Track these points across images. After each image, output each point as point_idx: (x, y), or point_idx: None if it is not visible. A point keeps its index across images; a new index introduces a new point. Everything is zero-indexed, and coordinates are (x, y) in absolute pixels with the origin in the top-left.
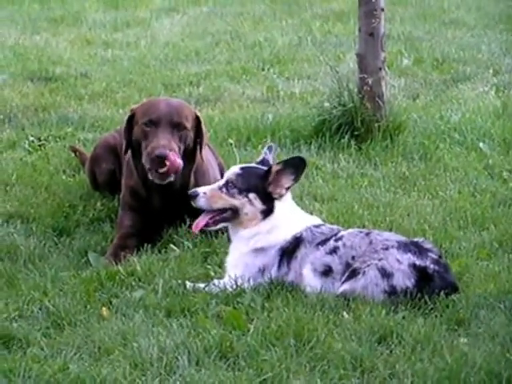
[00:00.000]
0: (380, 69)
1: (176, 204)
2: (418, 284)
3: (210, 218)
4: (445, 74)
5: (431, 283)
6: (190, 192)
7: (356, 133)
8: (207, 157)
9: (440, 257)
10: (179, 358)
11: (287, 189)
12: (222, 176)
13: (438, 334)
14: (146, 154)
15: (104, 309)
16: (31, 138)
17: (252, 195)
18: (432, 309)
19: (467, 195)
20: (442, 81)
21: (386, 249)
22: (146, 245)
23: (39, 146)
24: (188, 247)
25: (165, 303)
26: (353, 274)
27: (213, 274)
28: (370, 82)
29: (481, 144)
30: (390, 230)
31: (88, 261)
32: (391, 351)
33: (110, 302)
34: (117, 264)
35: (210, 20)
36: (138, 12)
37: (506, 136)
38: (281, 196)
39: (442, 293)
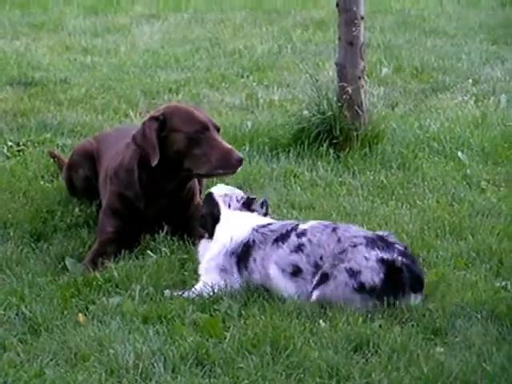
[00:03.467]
0: (359, 77)
1: (168, 212)
2: (387, 278)
3: None
4: (424, 83)
5: (400, 276)
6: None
7: (335, 141)
8: None
9: (406, 248)
10: (155, 364)
11: None
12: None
13: (414, 343)
14: (219, 159)
15: (80, 315)
16: (10, 143)
17: None
18: (408, 318)
19: (445, 204)
20: (421, 90)
21: (355, 246)
22: (123, 251)
23: (18, 151)
24: (166, 253)
25: (141, 310)
26: (323, 278)
27: (190, 280)
28: (349, 90)
29: (459, 153)
30: None
31: (65, 266)
32: (367, 360)
33: (87, 309)
34: (94, 270)
35: (190, 27)
36: (117, 18)
37: (484, 146)
38: None
39: (409, 288)
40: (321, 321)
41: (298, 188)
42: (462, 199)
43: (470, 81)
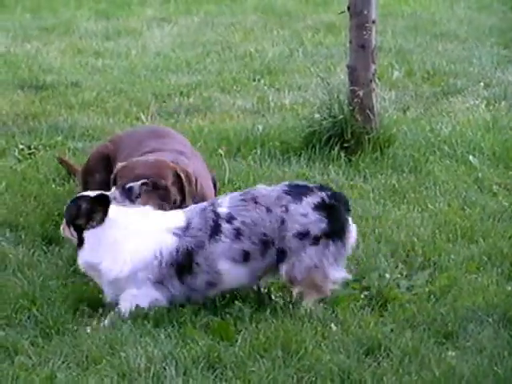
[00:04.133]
0: (371, 81)
1: None
2: (330, 219)
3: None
4: (435, 87)
5: (336, 209)
6: None
7: (346, 145)
8: (201, 173)
9: (321, 185)
10: (167, 368)
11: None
12: (215, 188)
13: (425, 346)
14: None
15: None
16: (21, 147)
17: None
18: (420, 321)
19: (457, 208)
20: (433, 93)
21: (287, 211)
22: None
23: (29, 154)
24: None
25: (153, 313)
26: (282, 254)
27: None
28: (360, 94)
29: (470, 157)
30: (379, 243)
31: (77, 270)
32: (379, 363)
33: (97, 312)
34: None
35: (200, 30)
36: (129, 22)
37: (495, 149)
38: None
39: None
40: (332, 324)
41: None
42: (474, 203)
43: (482, 84)
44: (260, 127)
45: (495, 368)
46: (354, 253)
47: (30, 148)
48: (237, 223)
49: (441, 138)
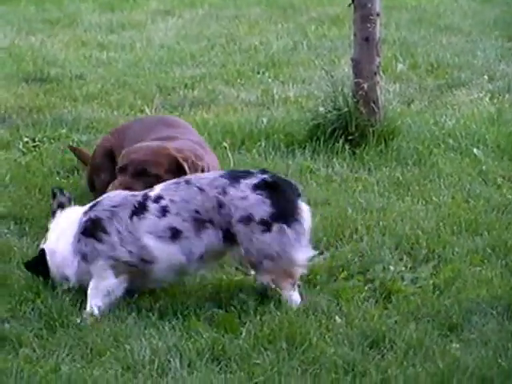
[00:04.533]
0: (375, 73)
1: None
2: (273, 198)
3: None
4: (439, 80)
5: (278, 188)
6: None
7: (350, 137)
8: (214, 163)
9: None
10: (171, 360)
11: None
12: None
13: (430, 339)
14: None
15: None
16: (25, 139)
17: None
18: (424, 314)
19: (461, 201)
20: (437, 86)
21: (225, 193)
22: None
23: (33, 146)
24: None
25: (157, 305)
26: (232, 239)
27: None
28: (364, 86)
29: (475, 150)
30: (384, 236)
31: None
32: (383, 356)
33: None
34: None
35: (205, 23)
36: (133, 14)
37: (499, 142)
38: None
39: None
40: (336, 317)
41: (314, 184)
42: (478, 195)
43: (486, 77)
44: (264, 120)
45: (499, 360)
46: (359, 245)
47: (34, 141)
48: (164, 202)
49: (445, 130)
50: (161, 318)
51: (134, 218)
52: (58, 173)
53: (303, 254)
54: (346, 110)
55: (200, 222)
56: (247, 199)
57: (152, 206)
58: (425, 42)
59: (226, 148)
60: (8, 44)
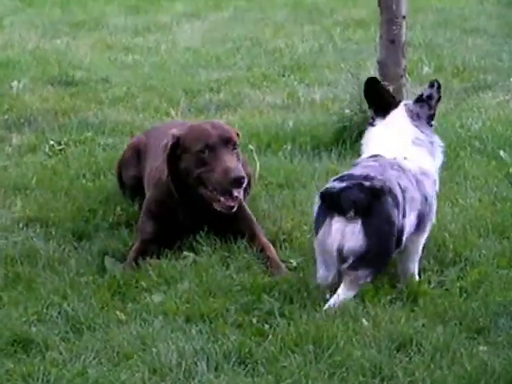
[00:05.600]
0: (401, 76)
1: (208, 219)
2: None
3: None
4: (465, 82)
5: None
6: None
7: None
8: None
9: None
10: (198, 363)
11: None
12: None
13: (457, 341)
14: (215, 180)
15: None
16: (51, 142)
17: None
18: (451, 316)
19: (487, 203)
20: (463, 89)
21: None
22: (164, 250)
23: (59, 150)
24: (207, 252)
25: (184, 309)
26: None
27: (230, 280)
28: (390, 89)
29: (501, 152)
30: None
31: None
32: (410, 359)
33: (128, 307)
34: (135, 269)
35: (230, 26)
36: (158, 17)
37: None
38: None
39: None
40: (363, 319)
41: None
42: (505, 198)
43: (511, 80)
44: (290, 123)
45: None
46: None
47: (60, 144)
48: None
49: (471, 133)
50: (187, 321)
51: None
52: (84, 176)
53: None
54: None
55: None
56: None
57: None
58: (450, 44)
59: (251, 151)
60: (33, 47)
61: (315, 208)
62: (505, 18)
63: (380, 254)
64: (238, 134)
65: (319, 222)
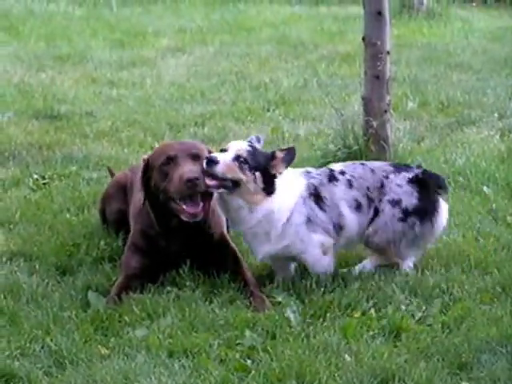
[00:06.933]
0: (385, 111)
1: (191, 247)
2: (420, 193)
3: (216, 182)
4: (450, 118)
5: (427, 185)
6: (210, 156)
7: None
8: None
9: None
10: None
11: (280, 173)
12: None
13: (439, 377)
14: (173, 186)
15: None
16: (35, 176)
17: (258, 174)
18: (434, 352)
19: (471, 239)
20: (447, 124)
21: (387, 177)
22: (147, 285)
23: (43, 184)
24: (190, 287)
25: (167, 344)
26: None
27: (214, 316)
28: (374, 124)
29: (485, 188)
30: (394, 273)
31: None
32: None
33: (111, 342)
34: (119, 304)
35: (215, 60)
36: (143, 51)
37: (510, 180)
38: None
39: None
40: (346, 355)
41: None
42: (488, 234)
43: (496, 115)
44: None
45: None
46: (368, 282)
47: (44, 178)
48: (347, 176)
49: (455, 168)
50: (170, 356)
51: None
52: (68, 210)
53: (414, 253)
54: (356, 147)
55: (370, 201)
56: (402, 187)
57: (339, 179)
58: (435, 79)
59: None
60: (18, 80)
61: None
62: (490, 53)
63: None
64: (209, 151)
65: None
